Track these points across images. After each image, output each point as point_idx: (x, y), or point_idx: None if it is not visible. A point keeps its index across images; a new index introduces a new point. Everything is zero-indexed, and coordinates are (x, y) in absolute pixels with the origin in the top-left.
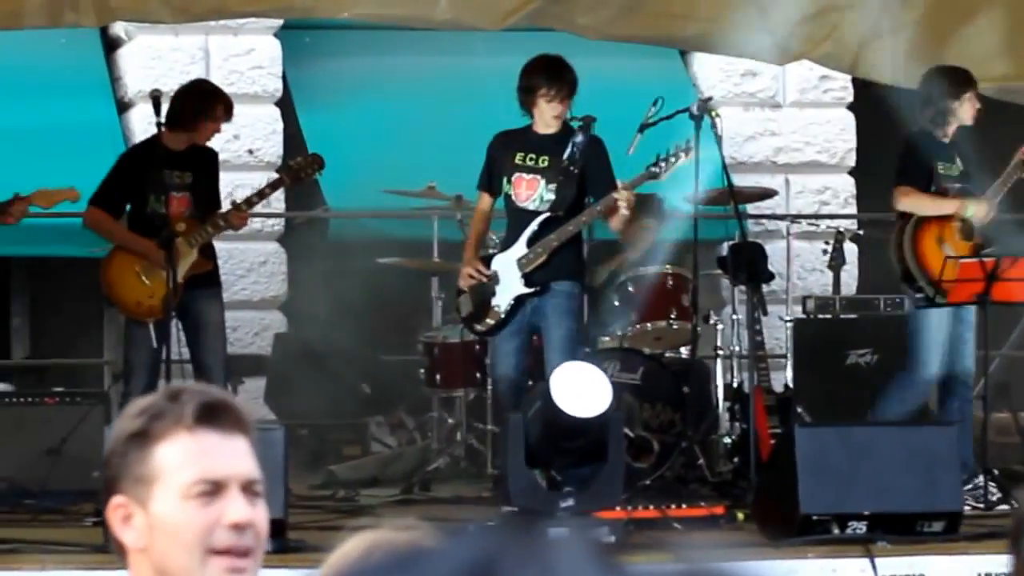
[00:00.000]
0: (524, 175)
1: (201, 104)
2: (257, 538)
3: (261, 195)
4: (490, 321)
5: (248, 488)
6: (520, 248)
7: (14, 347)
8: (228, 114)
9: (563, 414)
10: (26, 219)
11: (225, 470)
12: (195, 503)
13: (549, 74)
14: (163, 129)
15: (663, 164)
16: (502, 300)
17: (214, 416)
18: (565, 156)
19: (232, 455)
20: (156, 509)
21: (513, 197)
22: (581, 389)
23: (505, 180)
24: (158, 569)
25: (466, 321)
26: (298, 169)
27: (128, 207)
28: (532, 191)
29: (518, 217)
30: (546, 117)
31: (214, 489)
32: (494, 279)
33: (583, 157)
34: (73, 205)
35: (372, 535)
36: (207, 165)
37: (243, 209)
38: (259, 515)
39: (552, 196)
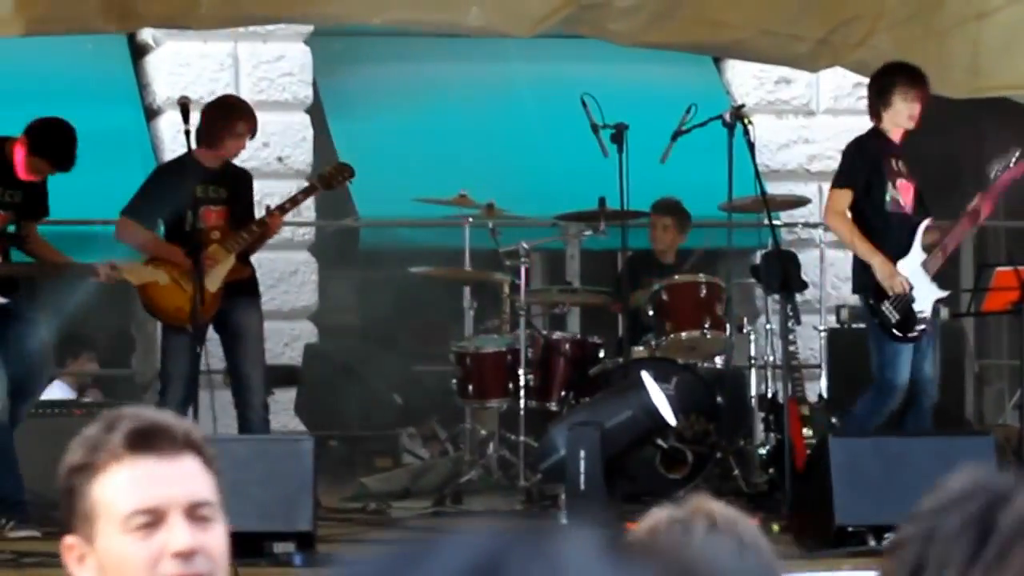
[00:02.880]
0: (905, 181)
1: (222, 120)
2: (210, 562)
3: (294, 201)
4: (919, 328)
5: (193, 512)
6: (918, 252)
7: None
8: (250, 129)
9: (660, 419)
10: (50, 227)
11: (162, 497)
12: (136, 536)
13: (905, 72)
14: (195, 146)
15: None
16: (925, 306)
17: (148, 441)
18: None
19: (170, 480)
20: (101, 546)
21: (901, 203)
22: (661, 397)
23: (890, 185)
24: None
25: (898, 327)
26: (329, 177)
27: (163, 223)
28: (908, 196)
29: (896, 222)
30: (900, 118)
31: (154, 519)
32: (912, 286)
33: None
34: (101, 213)
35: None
36: (241, 184)
37: (275, 213)
38: (209, 539)
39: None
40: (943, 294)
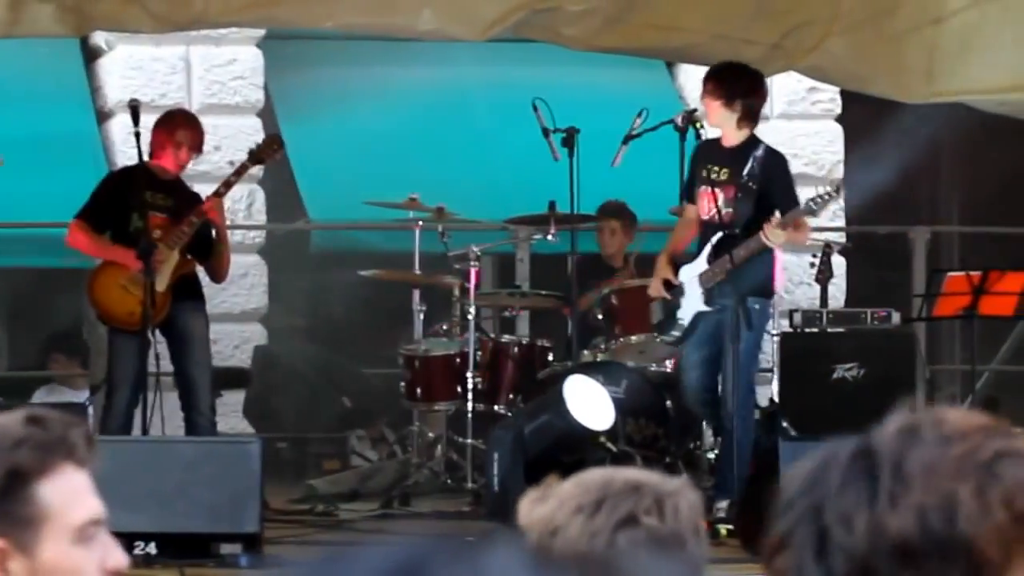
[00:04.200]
0: (707, 188)
1: (165, 130)
2: None
3: (228, 184)
4: (676, 333)
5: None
6: (701, 263)
7: None
8: (192, 140)
9: (576, 426)
10: (3, 229)
11: (100, 508)
12: (86, 546)
13: (713, 74)
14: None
15: (819, 200)
16: (686, 313)
17: (93, 448)
18: (745, 171)
19: (94, 491)
20: (45, 554)
21: (702, 209)
22: (589, 403)
23: (696, 191)
24: None
25: (657, 328)
26: (260, 152)
27: (111, 227)
28: (712, 204)
29: (702, 229)
30: (712, 121)
31: (96, 531)
32: (679, 290)
33: (764, 172)
34: (52, 215)
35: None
36: (189, 201)
37: (212, 199)
38: None
39: (729, 209)
40: (706, 309)
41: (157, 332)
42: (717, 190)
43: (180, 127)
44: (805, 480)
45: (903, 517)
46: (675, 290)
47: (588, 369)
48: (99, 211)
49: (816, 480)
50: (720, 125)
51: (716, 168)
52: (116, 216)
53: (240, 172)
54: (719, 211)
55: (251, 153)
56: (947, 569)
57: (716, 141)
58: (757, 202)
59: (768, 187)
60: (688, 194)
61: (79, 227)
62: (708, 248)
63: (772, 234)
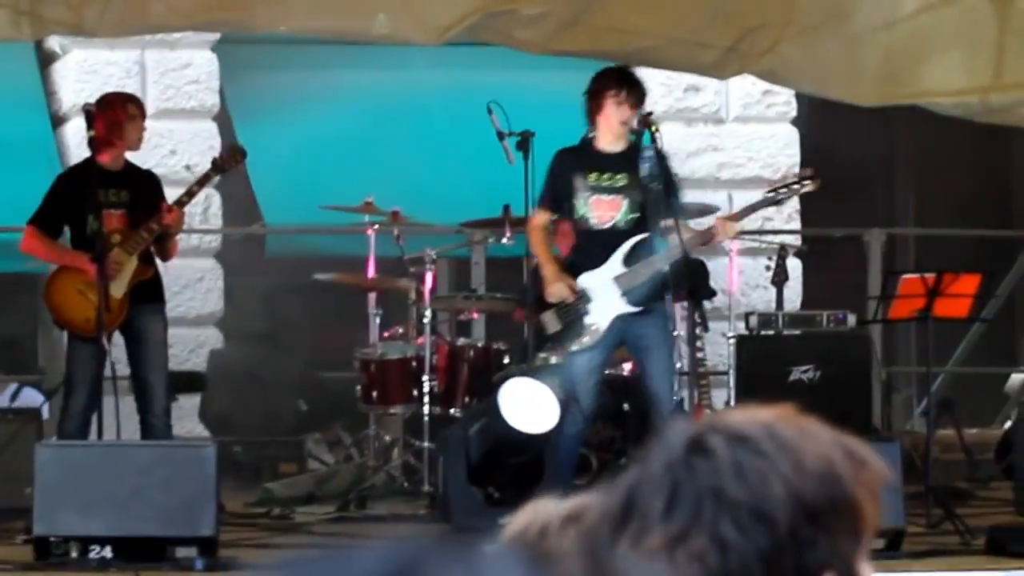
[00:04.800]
0: (603, 196)
1: (111, 112)
2: None
3: (190, 193)
4: (586, 340)
5: None
6: (616, 267)
7: None
8: (140, 110)
9: (511, 430)
10: None
11: None
12: None
13: (620, 76)
14: (96, 152)
15: (784, 191)
16: (600, 319)
17: None
18: (644, 173)
19: None
20: None
21: (593, 219)
22: (529, 405)
23: (581, 202)
24: None
25: (555, 338)
26: (223, 161)
27: (68, 229)
28: (615, 211)
29: (596, 237)
30: (612, 122)
31: None
32: (585, 297)
33: (659, 171)
34: (7, 220)
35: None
36: (145, 186)
37: (174, 209)
38: None
39: (636, 215)
40: (631, 310)
41: (115, 333)
42: (618, 196)
43: (128, 101)
44: (675, 473)
45: (810, 482)
46: (579, 297)
47: (541, 373)
48: (51, 215)
49: (692, 468)
50: (622, 129)
51: (608, 175)
52: (71, 218)
53: (203, 182)
54: (624, 217)
55: (214, 162)
56: (839, 523)
57: (589, 147)
58: (659, 201)
59: (667, 184)
60: (553, 203)
61: (32, 233)
62: (622, 252)
63: (727, 227)
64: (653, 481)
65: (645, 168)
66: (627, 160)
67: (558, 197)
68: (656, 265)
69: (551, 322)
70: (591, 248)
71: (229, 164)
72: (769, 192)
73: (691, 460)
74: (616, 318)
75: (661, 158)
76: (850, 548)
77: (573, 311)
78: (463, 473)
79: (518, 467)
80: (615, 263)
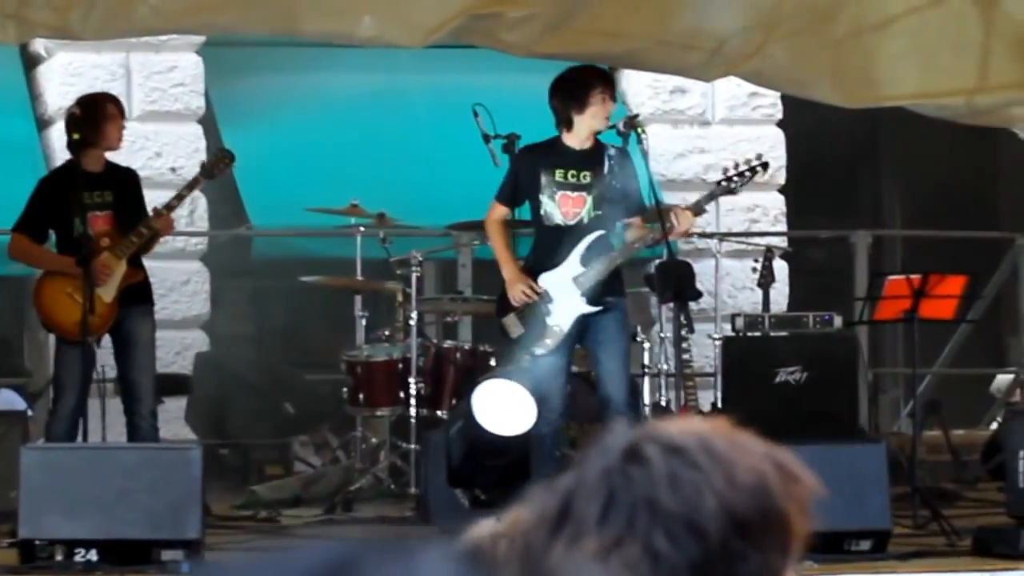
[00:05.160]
0: (569, 192)
1: (90, 113)
2: None
3: (180, 197)
4: (549, 342)
5: None
6: (574, 266)
7: None
8: (120, 109)
9: (485, 432)
10: None
11: None
12: None
13: (602, 73)
14: (77, 154)
15: (737, 179)
16: (561, 320)
17: None
18: (606, 172)
19: None
20: None
21: (558, 215)
22: (504, 407)
23: (545, 197)
24: None
25: (518, 342)
26: (212, 166)
27: (54, 233)
28: (579, 208)
29: (558, 234)
30: (597, 121)
31: None
32: (546, 298)
33: (621, 171)
34: None
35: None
36: (127, 184)
37: (164, 213)
38: None
39: (599, 213)
40: (591, 309)
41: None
42: (583, 194)
43: (104, 101)
44: (611, 480)
45: (741, 496)
46: (539, 299)
47: (516, 372)
48: (35, 220)
49: (628, 477)
50: (603, 128)
51: (574, 172)
52: (56, 222)
53: (192, 186)
54: (588, 215)
55: (203, 167)
56: (769, 537)
57: (556, 144)
58: (616, 199)
59: (627, 185)
60: (512, 199)
61: (18, 239)
62: (579, 251)
63: (683, 218)
64: (590, 487)
65: (607, 165)
66: (593, 158)
67: (519, 193)
68: (612, 262)
69: (513, 326)
70: (552, 244)
71: (217, 169)
72: (722, 180)
73: (627, 468)
74: (577, 318)
75: (622, 157)
76: (779, 562)
77: (534, 313)
78: (443, 475)
79: (500, 468)
80: (573, 262)
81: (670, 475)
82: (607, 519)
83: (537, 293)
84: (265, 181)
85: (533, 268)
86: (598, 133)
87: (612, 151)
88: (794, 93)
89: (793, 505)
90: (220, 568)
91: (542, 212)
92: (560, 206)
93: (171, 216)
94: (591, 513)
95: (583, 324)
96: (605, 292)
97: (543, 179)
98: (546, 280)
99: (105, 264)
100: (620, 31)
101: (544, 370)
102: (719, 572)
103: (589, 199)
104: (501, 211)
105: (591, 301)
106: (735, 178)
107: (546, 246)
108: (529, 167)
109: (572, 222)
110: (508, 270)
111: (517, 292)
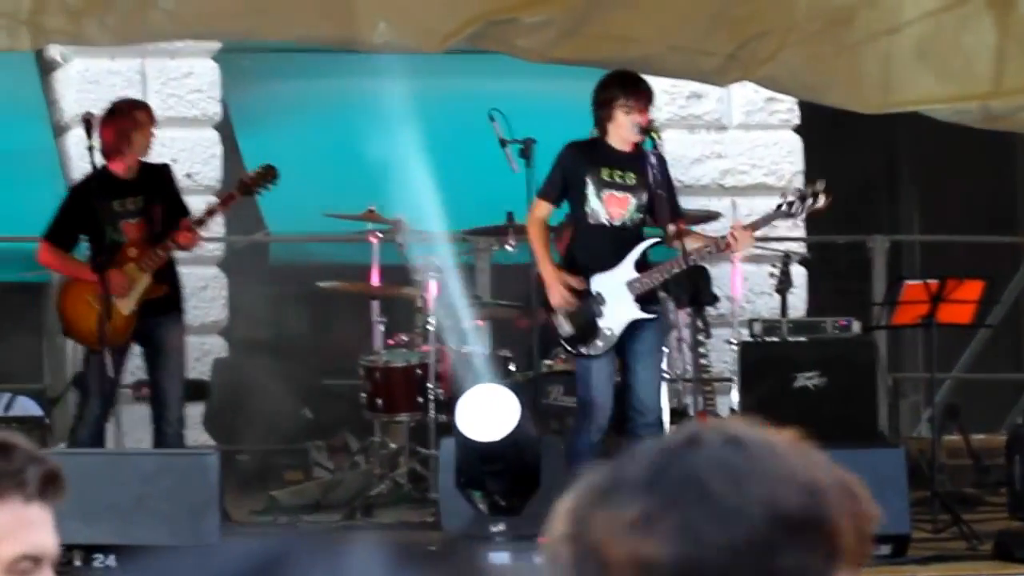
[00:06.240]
0: (616, 192)
1: (121, 121)
2: None
3: (211, 212)
4: (600, 344)
5: (55, 566)
6: (628, 270)
7: None
8: (150, 117)
9: (473, 442)
10: None
11: (46, 547)
12: None
13: (625, 85)
14: (105, 161)
15: (798, 204)
16: (614, 323)
17: (53, 487)
18: (651, 176)
19: (51, 530)
20: None
21: (603, 214)
22: (487, 412)
23: (592, 195)
24: None
25: (569, 341)
26: (251, 183)
27: (88, 240)
28: (624, 209)
29: (603, 233)
30: (623, 131)
31: (31, 567)
32: (599, 300)
33: (663, 177)
34: (9, 230)
35: None
36: (159, 182)
37: (192, 228)
38: None
39: (641, 216)
40: (644, 316)
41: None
42: (628, 195)
43: (135, 109)
44: (665, 456)
45: (793, 493)
46: (591, 299)
47: (548, 379)
48: (64, 228)
49: (682, 456)
50: (635, 136)
51: (620, 172)
52: (89, 230)
53: (227, 202)
54: (631, 216)
55: (241, 183)
56: (812, 539)
57: (600, 144)
58: (665, 206)
59: (667, 191)
60: (558, 195)
61: (45, 247)
62: (634, 256)
63: (743, 236)
64: (643, 460)
65: (651, 172)
66: (635, 161)
67: (565, 189)
68: (669, 270)
69: (563, 324)
70: (597, 244)
71: (258, 185)
72: (783, 204)
73: (683, 449)
74: (628, 324)
75: (662, 163)
76: (821, 568)
77: (585, 313)
78: (452, 480)
79: (502, 473)
80: (627, 267)
81: (723, 460)
82: (652, 490)
83: (578, 293)
84: (282, 187)
85: (584, 266)
86: (634, 141)
87: (653, 158)
88: (809, 98)
89: (846, 519)
90: (146, 566)
91: (587, 209)
92: (606, 205)
93: (199, 232)
94: (638, 483)
95: (627, 331)
96: (653, 300)
97: (589, 177)
98: (599, 282)
99: (125, 276)
100: (635, 36)
101: (595, 373)
102: (754, 560)
103: (633, 201)
104: (545, 209)
105: (645, 308)
106: (796, 204)
107: (592, 246)
108: (575, 164)
109: (617, 223)
110: (547, 270)
111: (557, 296)
